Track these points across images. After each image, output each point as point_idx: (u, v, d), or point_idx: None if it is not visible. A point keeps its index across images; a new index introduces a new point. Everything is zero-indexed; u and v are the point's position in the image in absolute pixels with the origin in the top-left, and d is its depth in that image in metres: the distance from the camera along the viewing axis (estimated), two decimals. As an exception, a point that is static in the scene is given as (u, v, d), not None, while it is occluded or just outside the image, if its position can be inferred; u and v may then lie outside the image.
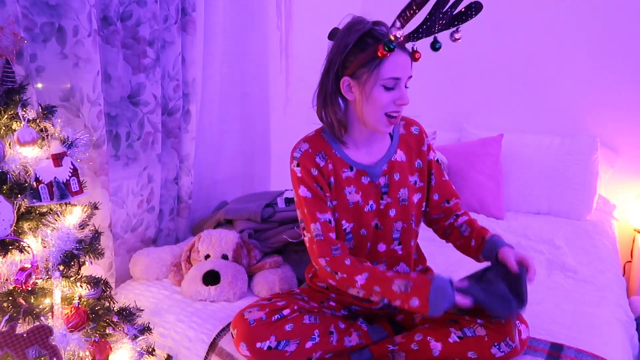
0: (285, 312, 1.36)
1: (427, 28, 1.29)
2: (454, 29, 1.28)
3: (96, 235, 1.32)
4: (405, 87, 1.31)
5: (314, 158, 1.37)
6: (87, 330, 1.24)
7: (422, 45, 1.31)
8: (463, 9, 1.27)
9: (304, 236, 1.40)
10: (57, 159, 1.21)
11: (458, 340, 1.28)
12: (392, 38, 1.23)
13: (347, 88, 1.31)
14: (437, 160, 1.49)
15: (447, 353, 1.28)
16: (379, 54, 1.24)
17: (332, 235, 1.36)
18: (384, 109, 1.29)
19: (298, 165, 1.37)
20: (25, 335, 1.09)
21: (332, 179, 1.38)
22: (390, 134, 1.43)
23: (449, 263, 1.90)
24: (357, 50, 1.27)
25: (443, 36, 1.31)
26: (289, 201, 2.01)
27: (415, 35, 1.31)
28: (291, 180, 1.40)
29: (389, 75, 1.26)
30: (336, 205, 1.38)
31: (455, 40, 1.30)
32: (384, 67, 1.26)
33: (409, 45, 1.30)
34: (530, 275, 1.29)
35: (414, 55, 1.30)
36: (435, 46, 1.29)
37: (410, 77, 1.31)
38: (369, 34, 1.27)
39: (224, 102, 2.29)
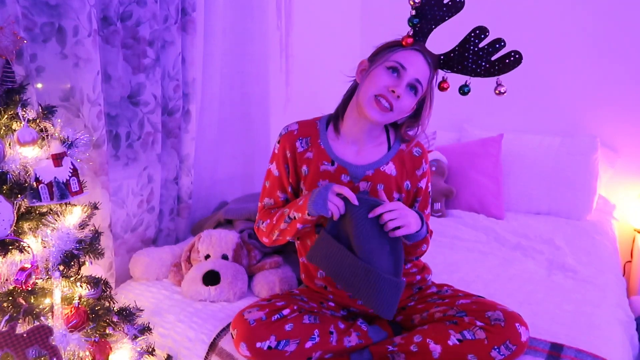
0: (285, 312, 1.36)
1: (460, 62, 1.31)
2: (495, 79, 1.32)
3: (96, 235, 1.31)
4: (409, 87, 1.30)
5: (294, 141, 1.42)
6: (87, 330, 1.24)
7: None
8: (501, 56, 1.28)
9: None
10: (57, 159, 1.20)
11: (458, 343, 1.27)
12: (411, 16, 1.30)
13: (360, 69, 1.37)
14: (429, 192, 1.47)
15: (447, 356, 1.27)
16: (402, 42, 1.31)
17: None
18: (376, 89, 1.29)
19: (279, 142, 1.44)
20: (25, 335, 1.09)
21: (305, 168, 1.39)
22: (389, 143, 1.42)
23: (448, 263, 1.91)
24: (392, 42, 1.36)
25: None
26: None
27: (447, 61, 1.33)
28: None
29: (396, 58, 1.30)
30: None
31: (500, 94, 1.33)
32: (396, 53, 1.31)
33: (441, 72, 1.35)
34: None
35: (440, 84, 1.35)
36: (463, 90, 1.33)
37: (418, 81, 1.30)
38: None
39: (224, 102, 2.28)
